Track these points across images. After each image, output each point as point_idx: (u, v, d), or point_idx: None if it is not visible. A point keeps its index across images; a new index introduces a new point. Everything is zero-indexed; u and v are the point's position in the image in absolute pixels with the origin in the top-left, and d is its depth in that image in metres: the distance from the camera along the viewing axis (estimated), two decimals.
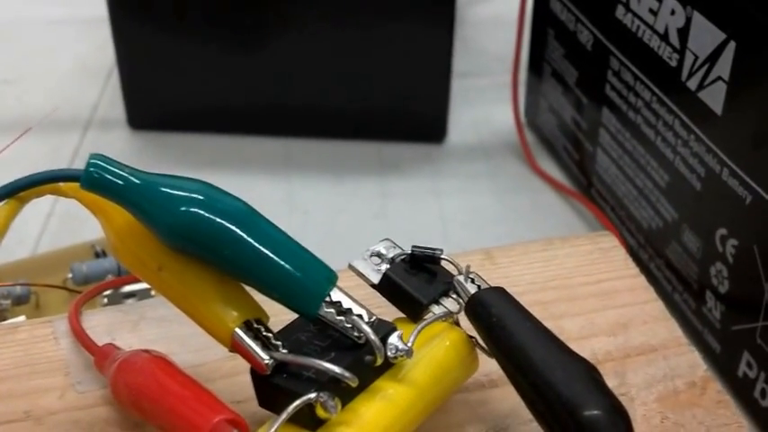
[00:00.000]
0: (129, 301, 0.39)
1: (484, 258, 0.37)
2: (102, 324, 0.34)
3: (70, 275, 0.43)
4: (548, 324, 0.33)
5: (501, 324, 0.28)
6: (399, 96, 0.56)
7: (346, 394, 0.26)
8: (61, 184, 0.28)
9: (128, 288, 0.40)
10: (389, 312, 0.30)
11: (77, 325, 0.32)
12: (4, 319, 0.39)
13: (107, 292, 0.40)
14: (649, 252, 0.46)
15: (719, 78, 0.37)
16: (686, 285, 0.43)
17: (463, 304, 0.29)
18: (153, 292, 0.40)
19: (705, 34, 0.38)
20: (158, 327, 0.34)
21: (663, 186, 0.44)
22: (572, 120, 0.53)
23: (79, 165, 0.55)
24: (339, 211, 0.53)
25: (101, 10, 0.54)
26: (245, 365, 0.27)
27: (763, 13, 0.34)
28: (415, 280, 0.31)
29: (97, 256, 0.44)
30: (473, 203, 0.54)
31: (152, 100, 0.58)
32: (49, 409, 0.30)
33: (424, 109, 0.57)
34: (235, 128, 0.58)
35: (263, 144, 0.58)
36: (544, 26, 0.54)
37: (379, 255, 0.32)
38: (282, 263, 0.27)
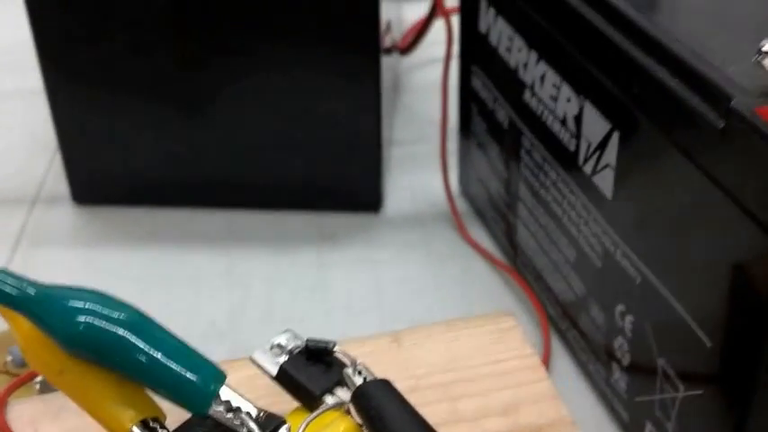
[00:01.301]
0: None
1: (391, 341, 0.39)
2: (27, 414, 0.36)
3: (9, 358, 0.44)
4: (444, 406, 0.35)
5: (379, 416, 0.30)
6: (334, 168, 0.58)
7: None
8: None
9: None
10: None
11: (1, 418, 0.34)
12: None
13: (39, 378, 0.42)
14: (566, 323, 0.48)
15: (608, 165, 0.40)
16: (597, 356, 0.45)
17: None
18: None
19: (595, 123, 0.40)
20: (77, 417, 0.35)
21: (572, 261, 0.46)
22: (497, 192, 0.55)
23: (26, 241, 0.58)
24: (277, 283, 0.55)
25: None
26: None
27: (640, 108, 0.36)
28: (312, 370, 0.33)
29: None
30: (407, 273, 0.56)
31: (94, 175, 0.60)
32: None
33: (358, 180, 0.59)
34: (176, 201, 0.60)
35: (204, 217, 0.60)
36: (468, 102, 0.56)
37: (279, 346, 0.34)
38: (172, 366, 0.29)
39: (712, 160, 0.32)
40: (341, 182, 0.59)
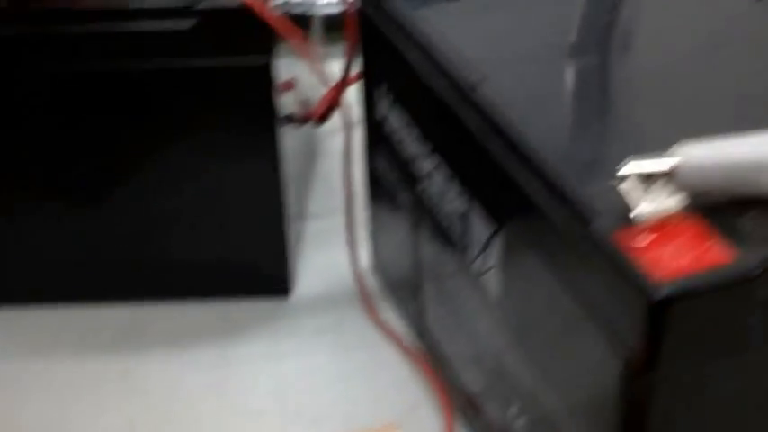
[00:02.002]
0: None
1: None
2: None
3: None
4: None
5: None
6: (240, 253, 0.57)
7: None
8: None
9: None
10: None
11: None
12: None
13: None
14: (471, 413, 0.47)
15: (493, 267, 0.39)
16: None
17: None
18: None
19: (480, 223, 0.39)
20: None
21: (472, 355, 0.45)
22: (405, 273, 0.54)
23: None
24: (177, 384, 0.53)
25: None
26: None
27: (516, 217, 0.35)
28: None
29: None
30: (313, 364, 0.54)
31: None
32: None
33: (265, 264, 0.58)
34: (77, 297, 0.58)
35: (104, 313, 0.57)
36: (375, 180, 0.55)
37: None
38: None
39: (578, 279, 0.31)
40: (247, 267, 0.58)
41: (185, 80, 0.50)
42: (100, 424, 0.51)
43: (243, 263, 0.57)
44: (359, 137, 0.56)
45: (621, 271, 0.28)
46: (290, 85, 0.57)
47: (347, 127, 0.54)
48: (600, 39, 0.42)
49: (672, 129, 0.34)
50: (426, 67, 0.42)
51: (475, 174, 0.38)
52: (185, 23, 0.48)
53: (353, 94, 0.56)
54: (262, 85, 0.51)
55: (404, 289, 0.55)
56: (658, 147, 0.31)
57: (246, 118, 0.52)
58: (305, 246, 0.63)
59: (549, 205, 0.32)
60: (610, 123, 0.35)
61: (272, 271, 0.58)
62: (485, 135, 0.37)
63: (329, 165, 0.72)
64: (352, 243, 0.57)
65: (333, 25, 0.72)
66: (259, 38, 0.49)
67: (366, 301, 0.58)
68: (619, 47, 0.41)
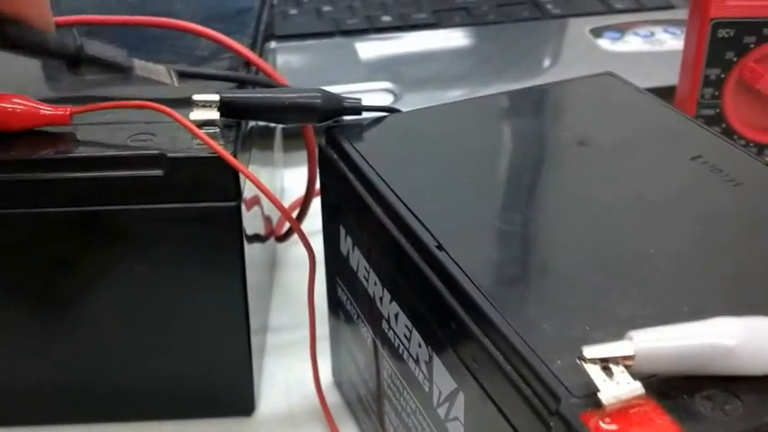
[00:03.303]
0: None
1: None
2: None
3: None
4: None
5: None
6: (202, 374, 0.58)
7: None
8: None
9: None
10: None
11: None
12: None
13: None
14: None
15: (457, 418, 0.40)
16: None
17: None
18: None
19: (443, 376, 0.41)
20: None
21: None
22: (366, 399, 0.55)
23: None
24: None
25: None
26: None
27: (479, 382, 0.37)
28: None
29: None
30: None
31: None
32: None
33: (228, 385, 0.59)
34: (34, 419, 0.58)
35: None
36: (336, 309, 0.57)
37: None
38: None
39: None
40: (211, 388, 0.59)
41: (155, 221, 0.52)
42: None
43: (207, 384, 0.59)
44: (320, 247, 0.57)
45: None
46: (253, 203, 0.59)
47: (307, 239, 0.55)
48: (555, 200, 0.44)
49: (625, 298, 0.37)
50: (388, 222, 0.44)
51: (439, 333, 0.40)
52: (157, 171, 0.50)
53: (316, 205, 0.57)
54: (231, 224, 0.53)
55: (363, 413, 0.57)
56: (616, 320, 0.34)
57: (214, 251, 0.54)
58: (266, 360, 0.64)
59: (515, 377, 0.34)
60: (568, 293, 0.37)
61: (237, 390, 0.60)
62: (448, 296, 0.39)
63: (288, 275, 0.73)
64: (314, 359, 0.58)
65: (294, 134, 0.74)
66: (229, 183, 0.51)
67: (328, 420, 0.59)
68: (570, 209, 0.44)
